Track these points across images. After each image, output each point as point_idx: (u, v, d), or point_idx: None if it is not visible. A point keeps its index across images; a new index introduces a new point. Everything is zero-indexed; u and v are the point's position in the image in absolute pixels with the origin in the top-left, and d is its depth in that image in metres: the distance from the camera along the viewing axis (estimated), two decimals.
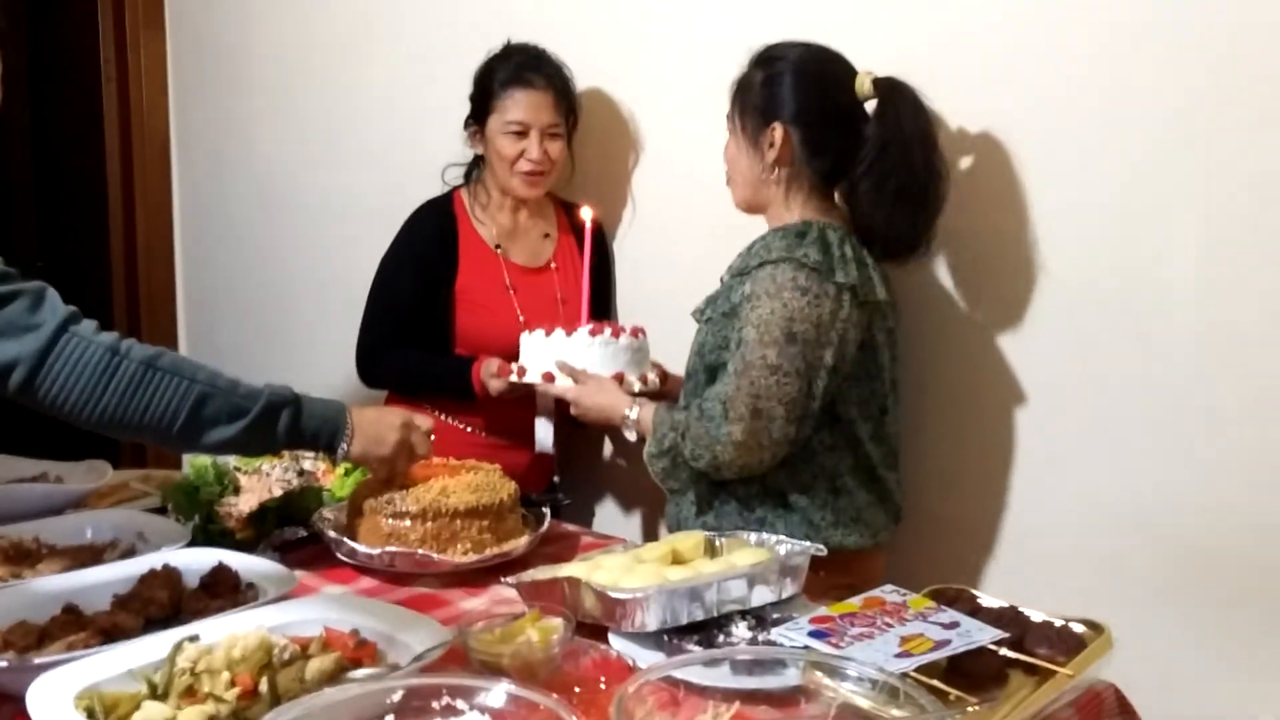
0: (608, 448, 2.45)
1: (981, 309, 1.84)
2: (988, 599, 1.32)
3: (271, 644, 1.24)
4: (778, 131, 1.71)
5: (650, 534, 2.37)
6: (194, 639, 1.25)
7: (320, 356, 2.99)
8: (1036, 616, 1.27)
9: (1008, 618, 1.27)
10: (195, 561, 1.49)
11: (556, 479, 2.33)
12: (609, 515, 2.45)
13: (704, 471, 1.69)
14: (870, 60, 1.75)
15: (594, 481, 2.46)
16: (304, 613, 1.35)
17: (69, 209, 3.88)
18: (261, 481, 1.99)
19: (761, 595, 1.40)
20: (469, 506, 1.63)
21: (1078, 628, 1.25)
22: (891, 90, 1.70)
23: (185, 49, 3.40)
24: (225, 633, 1.25)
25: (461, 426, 2.22)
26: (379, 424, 1.58)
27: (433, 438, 1.70)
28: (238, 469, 2.03)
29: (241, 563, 1.50)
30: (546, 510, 1.79)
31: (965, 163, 1.81)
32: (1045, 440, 1.80)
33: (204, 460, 1.98)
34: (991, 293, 1.83)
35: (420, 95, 2.66)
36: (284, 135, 3.11)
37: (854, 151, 1.70)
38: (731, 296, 1.69)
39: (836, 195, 1.77)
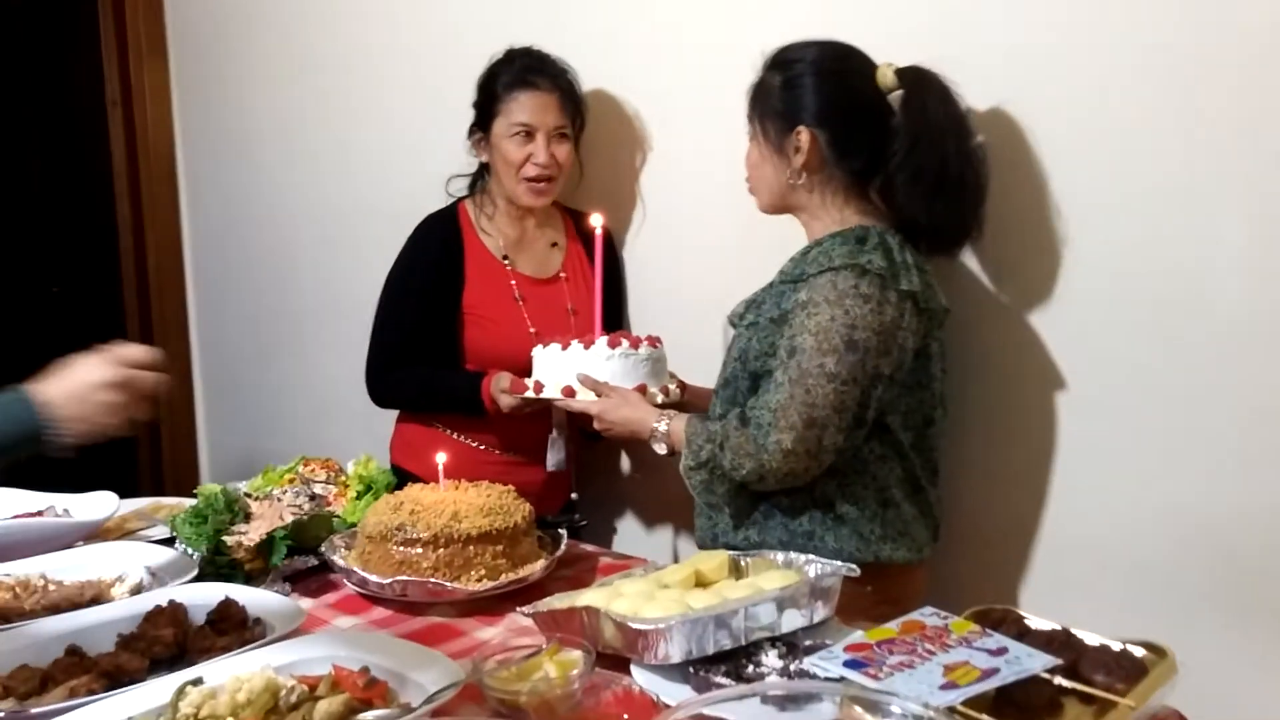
0: (625, 462, 2.38)
1: (1023, 310, 1.76)
2: (1036, 620, 1.24)
3: (278, 686, 1.18)
4: (803, 135, 1.64)
5: (674, 549, 2.30)
6: (197, 682, 1.19)
7: (334, 371, 2.95)
8: (1091, 639, 1.19)
9: (1059, 641, 1.19)
10: (201, 597, 1.44)
11: (574, 496, 2.27)
12: (630, 531, 2.38)
13: (744, 482, 1.62)
14: (892, 52, 1.68)
15: (612, 497, 2.39)
16: (312, 650, 1.29)
17: (79, 232, 3.87)
18: (273, 507, 1.93)
19: (792, 620, 1.33)
20: (482, 531, 1.57)
21: (1137, 651, 1.16)
22: (916, 80, 1.64)
23: (188, 71, 3.39)
24: (230, 674, 1.19)
25: (474, 445, 2.16)
26: (80, 396, 1.33)
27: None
28: (248, 495, 1.98)
29: (248, 597, 1.44)
30: (563, 532, 1.73)
31: (1002, 154, 1.72)
32: (1092, 447, 1.71)
33: (213, 487, 1.93)
34: (1032, 293, 1.74)
35: (424, 107, 2.62)
36: (289, 152, 3.07)
37: (884, 147, 1.63)
38: (782, 303, 1.62)
39: (872, 193, 1.70)
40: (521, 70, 2.11)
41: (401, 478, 2.12)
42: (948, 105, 1.63)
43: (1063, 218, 1.69)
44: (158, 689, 1.20)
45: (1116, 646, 1.18)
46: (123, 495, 2.11)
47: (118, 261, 3.56)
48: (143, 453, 3.63)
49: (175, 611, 1.38)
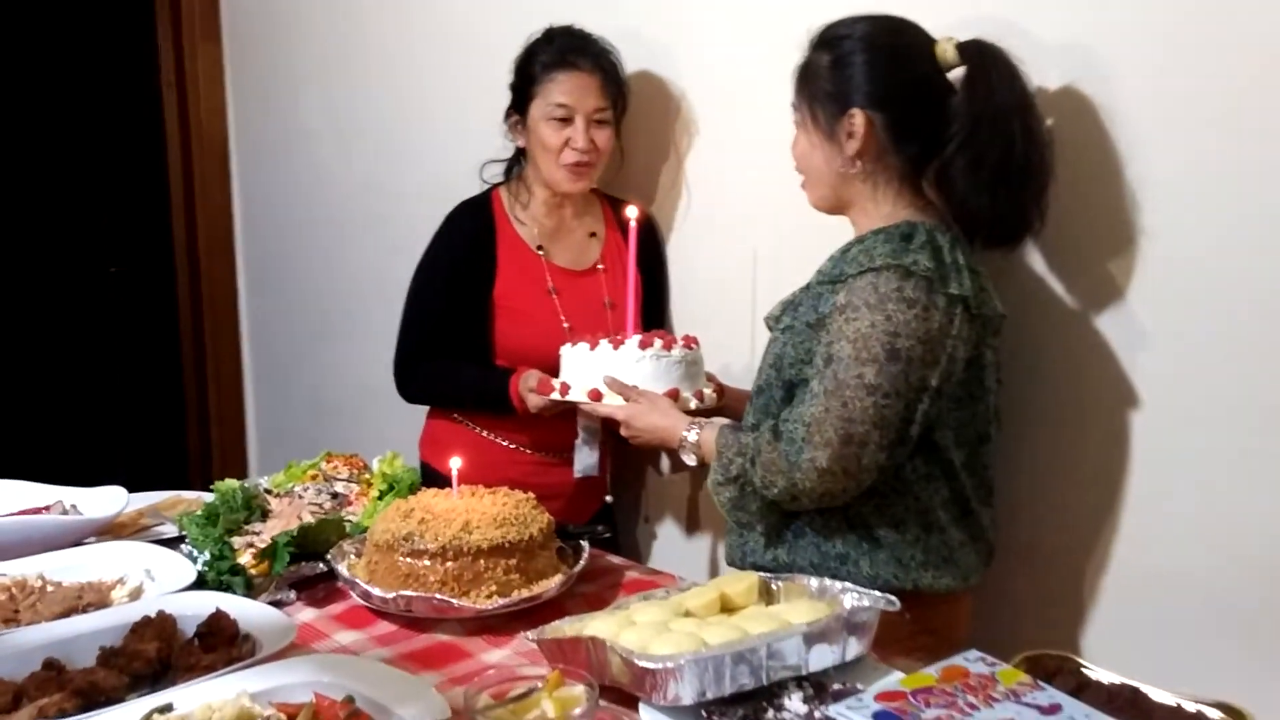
0: (665, 460, 2.25)
1: (1089, 312, 1.59)
2: (1097, 671, 1.10)
3: (252, 716, 1.09)
4: (857, 119, 1.49)
5: (713, 560, 2.17)
6: (166, 709, 1.11)
7: (383, 358, 2.87)
8: (1160, 697, 1.04)
9: (1123, 699, 1.04)
10: (193, 607, 1.36)
11: (609, 499, 2.16)
12: (668, 538, 2.26)
13: (776, 501, 1.49)
14: (950, 27, 1.52)
15: (651, 501, 2.27)
16: (296, 674, 1.20)
17: (135, 213, 3.88)
18: (292, 505, 1.86)
19: (821, 657, 1.20)
20: (494, 544, 1.46)
21: (1213, 714, 1.01)
22: (979, 56, 1.49)
23: (241, 56, 3.36)
24: (203, 700, 1.11)
25: (504, 443, 2.06)
26: None
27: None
28: (268, 491, 1.91)
29: (240, 609, 1.36)
30: (585, 544, 1.61)
31: (1070, 138, 1.55)
32: (1166, 467, 1.53)
33: (231, 484, 1.86)
34: (1102, 289, 1.57)
35: (470, 90, 2.52)
36: (340, 135, 3.02)
37: (943, 130, 1.48)
38: (820, 306, 1.49)
39: (925, 185, 1.55)
40: (561, 50, 1.99)
41: (429, 475, 2.04)
42: (1014, 83, 1.48)
43: (1137, 208, 1.51)
44: (129, 712, 1.12)
45: (1191, 708, 1.03)
46: (173, 483, 2.07)
47: (170, 242, 3.56)
48: (192, 438, 3.62)
49: (163, 624, 1.30)
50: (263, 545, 1.63)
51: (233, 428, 3.56)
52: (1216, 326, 1.46)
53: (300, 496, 1.88)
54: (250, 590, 1.50)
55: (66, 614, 1.41)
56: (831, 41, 1.54)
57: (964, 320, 1.43)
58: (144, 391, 3.93)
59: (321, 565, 1.58)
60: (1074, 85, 1.55)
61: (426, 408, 2.18)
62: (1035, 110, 1.50)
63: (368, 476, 1.96)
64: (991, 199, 1.47)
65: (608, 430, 2.00)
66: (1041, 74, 1.54)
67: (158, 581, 1.51)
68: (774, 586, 1.40)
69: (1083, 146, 1.54)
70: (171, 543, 1.68)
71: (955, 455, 1.49)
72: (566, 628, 1.30)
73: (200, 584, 1.50)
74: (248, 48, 3.33)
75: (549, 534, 1.56)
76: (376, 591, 1.44)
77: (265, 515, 1.82)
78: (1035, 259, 1.62)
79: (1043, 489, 1.66)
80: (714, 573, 2.15)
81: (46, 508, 1.70)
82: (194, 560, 1.55)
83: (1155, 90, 1.48)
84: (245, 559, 1.57)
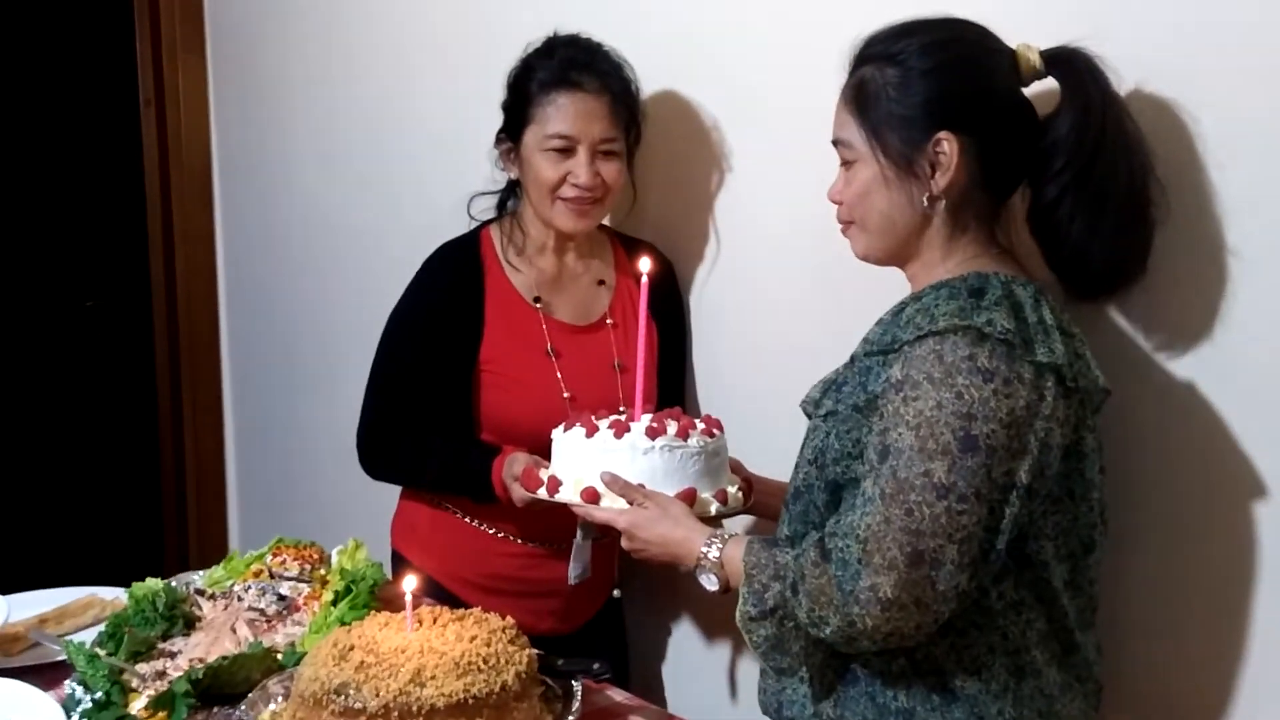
0: None
1: (1200, 368, 1.28)
2: None
3: None
4: (947, 144, 1.19)
5: (740, 680, 1.80)
6: None
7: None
8: None
9: None
10: None
11: (616, 594, 1.81)
12: (685, 646, 1.90)
13: (830, 642, 1.17)
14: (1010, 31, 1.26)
15: (667, 592, 1.92)
16: None
17: (111, 243, 3.61)
18: (228, 611, 1.55)
19: None
20: (454, 701, 1.12)
21: None
22: (1073, 65, 1.23)
23: (227, 72, 3.08)
24: None
25: (490, 531, 1.73)
26: None
27: None
28: (200, 592, 1.60)
29: None
30: (577, 686, 1.27)
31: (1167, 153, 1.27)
32: None
33: (153, 585, 1.55)
34: (1215, 341, 1.26)
35: (467, 111, 2.20)
36: (332, 161, 2.72)
37: (1040, 159, 1.22)
38: (869, 383, 1.19)
39: (998, 227, 1.29)
40: (563, 65, 1.66)
41: (401, 568, 1.72)
42: (1109, 93, 1.24)
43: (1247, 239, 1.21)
44: None
45: None
46: (149, 543, 1.71)
47: (147, 273, 3.27)
48: (167, 490, 3.30)
49: None
50: (176, 674, 1.31)
51: (212, 484, 3.24)
52: None
53: (240, 599, 1.58)
54: None
55: None
56: (892, 53, 1.24)
57: (1057, 396, 1.14)
58: (116, 438, 3.63)
59: (237, 713, 1.24)
60: (1159, 97, 1.27)
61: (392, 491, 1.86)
62: (1137, 128, 1.23)
63: (323, 573, 1.64)
64: (1114, 243, 1.22)
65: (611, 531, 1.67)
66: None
67: None
68: None
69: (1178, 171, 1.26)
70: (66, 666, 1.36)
71: (1055, 573, 1.19)
72: None
73: None
74: (234, 61, 3.03)
75: (529, 677, 1.22)
76: None
77: (192, 625, 1.51)
78: (1134, 309, 1.32)
79: (1153, 610, 1.34)
80: (740, 700, 1.79)
81: None
82: (74, 705, 1.22)
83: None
84: (140, 704, 1.24)
